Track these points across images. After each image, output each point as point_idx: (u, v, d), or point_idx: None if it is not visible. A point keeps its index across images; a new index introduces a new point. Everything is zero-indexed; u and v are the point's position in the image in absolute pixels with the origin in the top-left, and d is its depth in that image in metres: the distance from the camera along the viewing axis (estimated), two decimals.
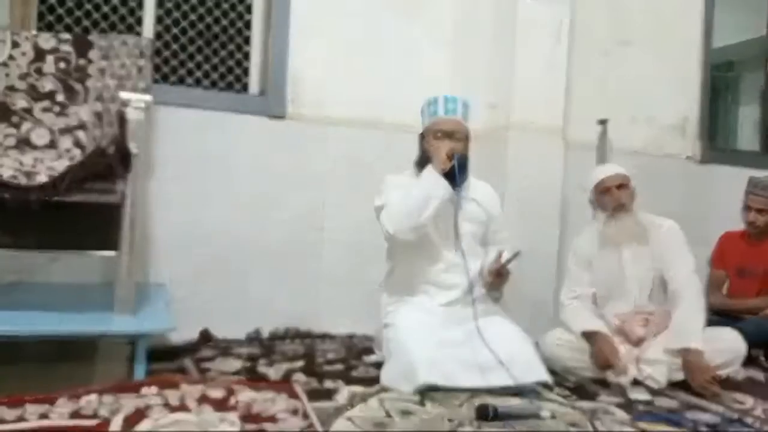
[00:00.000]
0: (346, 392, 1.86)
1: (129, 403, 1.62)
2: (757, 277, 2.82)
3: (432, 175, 2.06)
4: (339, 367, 2.19)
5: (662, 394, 2.07)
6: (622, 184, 2.36)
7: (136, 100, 1.97)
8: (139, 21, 2.67)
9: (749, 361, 2.39)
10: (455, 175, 2.05)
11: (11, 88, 2.25)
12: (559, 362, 2.24)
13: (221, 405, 1.66)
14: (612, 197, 2.35)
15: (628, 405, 1.93)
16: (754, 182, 2.81)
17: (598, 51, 3.14)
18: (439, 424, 1.63)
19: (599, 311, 2.39)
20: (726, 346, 2.20)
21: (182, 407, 1.63)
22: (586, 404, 1.91)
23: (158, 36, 2.68)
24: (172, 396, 1.68)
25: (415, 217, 2.03)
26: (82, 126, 2.30)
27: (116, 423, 1.51)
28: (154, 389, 1.72)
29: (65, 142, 2.26)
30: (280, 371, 2.09)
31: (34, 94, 2.27)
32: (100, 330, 1.88)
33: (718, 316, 2.65)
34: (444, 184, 2.05)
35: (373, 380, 2.00)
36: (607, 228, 2.37)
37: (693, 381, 2.09)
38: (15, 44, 2.30)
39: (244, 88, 2.83)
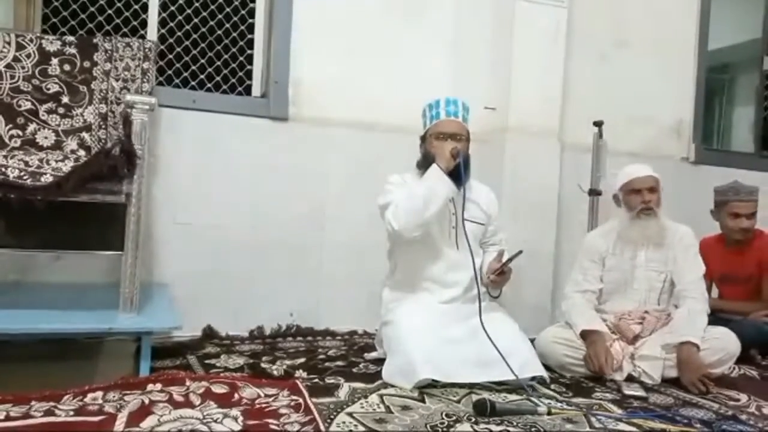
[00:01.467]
0: (347, 388, 1.89)
1: (134, 399, 1.64)
2: (742, 283, 2.81)
3: (437, 173, 2.09)
4: (340, 363, 2.20)
5: (656, 390, 2.10)
6: (653, 188, 2.33)
7: (140, 102, 1.98)
8: (144, 24, 2.69)
9: (744, 359, 2.42)
10: (459, 173, 2.08)
11: (16, 90, 2.28)
12: (555, 359, 2.27)
13: (225, 401, 1.69)
14: (642, 199, 2.32)
15: (622, 401, 1.95)
16: (735, 188, 2.75)
17: (594, 53, 3.17)
18: (438, 420, 1.66)
19: (600, 306, 2.41)
20: (720, 345, 2.22)
21: (186, 403, 1.65)
22: (581, 400, 1.93)
23: (162, 39, 2.70)
24: (177, 392, 1.71)
25: (421, 215, 2.06)
26: (87, 127, 2.33)
27: (121, 419, 1.52)
28: (158, 386, 1.75)
29: (70, 143, 2.29)
30: (282, 368, 2.11)
31: (39, 95, 2.30)
32: (107, 327, 1.90)
33: (712, 315, 2.66)
34: (448, 182, 2.09)
35: (374, 377, 2.03)
36: (630, 228, 2.35)
37: (684, 376, 2.12)
38: (20, 46, 2.32)
39: (247, 90, 2.85)
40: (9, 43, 2.31)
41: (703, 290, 2.33)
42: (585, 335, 2.26)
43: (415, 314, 2.08)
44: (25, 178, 1.83)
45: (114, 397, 1.66)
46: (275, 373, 2.05)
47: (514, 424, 1.66)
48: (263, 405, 1.68)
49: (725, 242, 2.84)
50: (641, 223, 2.33)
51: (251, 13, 2.85)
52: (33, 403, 1.59)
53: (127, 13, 2.69)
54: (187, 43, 2.78)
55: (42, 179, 1.85)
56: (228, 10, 2.82)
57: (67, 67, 2.36)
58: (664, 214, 2.38)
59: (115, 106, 2.37)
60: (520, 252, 2.04)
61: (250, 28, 2.84)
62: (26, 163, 1.88)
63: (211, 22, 2.80)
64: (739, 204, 2.72)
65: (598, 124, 2.93)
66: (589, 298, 2.40)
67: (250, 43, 2.85)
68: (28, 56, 2.32)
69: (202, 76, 2.80)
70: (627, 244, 2.38)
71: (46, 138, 2.28)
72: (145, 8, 2.70)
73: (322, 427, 1.56)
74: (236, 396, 1.73)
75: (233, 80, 2.84)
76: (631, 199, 2.36)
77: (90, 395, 1.66)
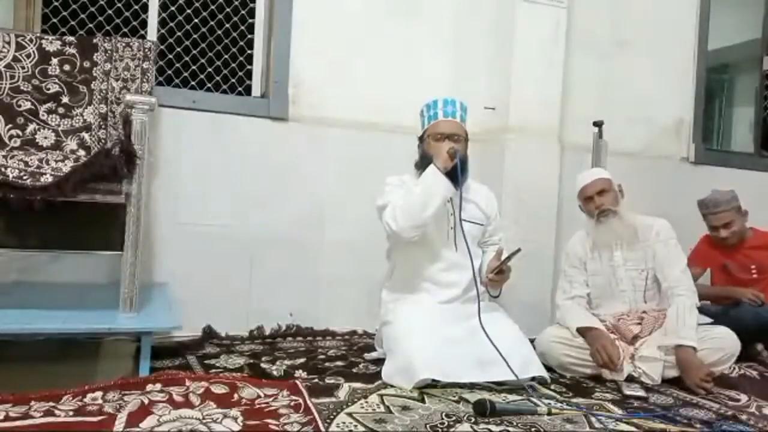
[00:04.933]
0: (346, 388, 1.89)
1: (133, 399, 1.64)
2: (742, 273, 2.82)
3: (434, 174, 2.09)
4: (340, 364, 2.20)
5: (656, 390, 2.10)
6: (603, 190, 2.37)
7: (140, 102, 1.98)
8: (144, 24, 2.69)
9: (749, 356, 2.44)
10: (457, 173, 2.08)
11: (16, 90, 2.28)
12: (554, 358, 2.27)
13: (224, 401, 1.69)
14: (594, 204, 2.37)
15: (622, 401, 1.96)
16: (705, 203, 2.77)
17: (594, 53, 3.17)
18: (438, 420, 1.66)
19: (594, 312, 2.42)
20: (718, 345, 2.23)
21: (186, 403, 1.65)
22: (581, 400, 1.93)
23: (162, 39, 2.71)
24: (176, 392, 1.71)
25: (418, 215, 2.06)
26: (86, 127, 2.33)
27: (121, 419, 1.52)
28: (158, 386, 1.75)
29: (70, 143, 2.29)
30: (282, 368, 2.11)
31: (39, 95, 2.30)
32: (107, 327, 1.91)
33: (711, 305, 2.68)
34: (446, 182, 2.08)
35: (374, 377, 2.03)
36: (597, 232, 2.40)
37: (688, 378, 2.12)
38: (19, 46, 2.32)
39: (247, 90, 2.85)
40: (9, 43, 2.30)
41: (689, 284, 2.33)
42: (583, 333, 2.26)
43: (415, 314, 2.08)
44: (25, 178, 1.83)
45: (113, 397, 1.66)
46: (275, 373, 2.05)
47: (514, 424, 1.66)
48: (263, 405, 1.68)
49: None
50: (604, 225, 2.37)
51: (251, 13, 2.85)
52: (33, 403, 1.59)
53: (127, 13, 2.69)
54: (187, 43, 2.78)
55: (42, 179, 1.85)
56: (228, 10, 2.83)
57: (67, 67, 2.35)
58: (631, 210, 2.41)
59: (115, 106, 2.37)
60: (519, 250, 2.04)
61: (250, 28, 2.84)
62: (26, 163, 1.88)
63: (211, 22, 2.81)
64: (711, 218, 2.78)
65: (598, 124, 2.93)
66: (580, 303, 2.42)
67: (250, 43, 2.85)
68: (28, 56, 2.32)
69: (202, 76, 2.80)
70: (602, 247, 2.41)
71: (45, 138, 2.28)
72: (145, 8, 2.70)
73: (321, 428, 1.56)
74: (236, 396, 1.73)
75: (233, 80, 2.84)
76: (587, 207, 2.42)
77: (89, 395, 1.66)
